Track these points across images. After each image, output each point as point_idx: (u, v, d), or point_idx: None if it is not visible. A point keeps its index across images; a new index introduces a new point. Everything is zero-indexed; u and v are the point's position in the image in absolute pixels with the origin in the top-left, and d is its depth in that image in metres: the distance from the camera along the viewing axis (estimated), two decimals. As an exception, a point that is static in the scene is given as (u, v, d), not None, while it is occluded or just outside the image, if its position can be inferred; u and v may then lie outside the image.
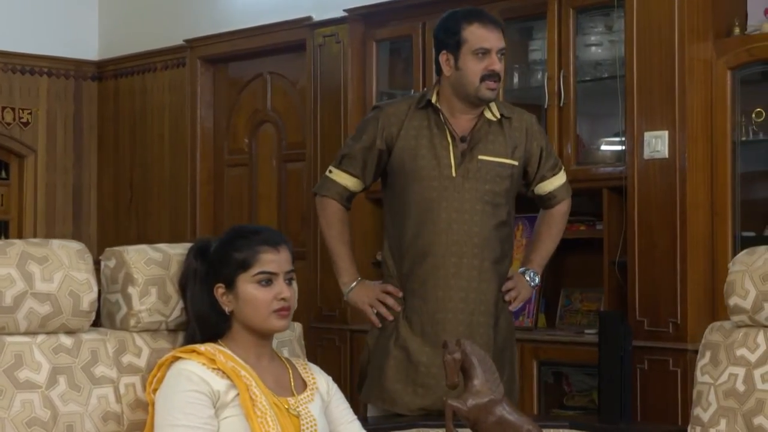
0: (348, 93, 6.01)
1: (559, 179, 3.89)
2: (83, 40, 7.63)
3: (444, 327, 3.62)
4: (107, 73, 7.63)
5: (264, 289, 2.80)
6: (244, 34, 6.67)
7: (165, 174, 7.24)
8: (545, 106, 5.11)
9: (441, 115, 3.70)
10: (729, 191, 4.59)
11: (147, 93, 7.36)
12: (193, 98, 7.01)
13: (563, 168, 3.96)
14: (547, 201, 3.90)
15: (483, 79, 3.65)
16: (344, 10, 6.01)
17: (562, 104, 5.08)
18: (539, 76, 5.32)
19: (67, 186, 7.59)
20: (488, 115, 3.73)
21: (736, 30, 4.67)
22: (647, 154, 4.65)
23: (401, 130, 3.71)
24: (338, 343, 5.93)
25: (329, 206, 3.80)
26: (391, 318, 3.69)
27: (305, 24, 6.26)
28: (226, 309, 2.81)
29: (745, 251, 3.12)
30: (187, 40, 6.99)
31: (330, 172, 3.83)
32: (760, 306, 3.00)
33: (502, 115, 3.74)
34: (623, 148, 4.91)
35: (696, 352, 4.44)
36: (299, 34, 6.32)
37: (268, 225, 6.56)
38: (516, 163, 3.73)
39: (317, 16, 6.23)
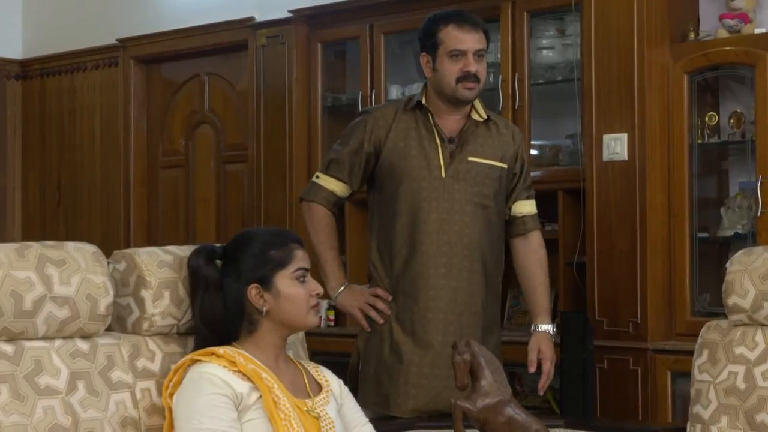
0: (293, 94, 5.98)
1: (531, 205, 3.88)
2: (6, 38, 7.46)
3: (434, 326, 3.63)
4: (32, 72, 7.46)
5: (301, 286, 2.82)
6: (181, 34, 6.59)
7: (96, 175, 7.11)
8: (499, 109, 5.15)
9: (430, 117, 3.71)
10: (686, 193, 4.68)
11: (76, 93, 7.22)
12: (126, 99, 6.91)
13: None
14: (520, 226, 3.85)
15: (459, 80, 3.66)
16: (289, 11, 5.97)
17: (516, 107, 5.13)
18: (490, 78, 5.35)
19: (-10, 187, 7.43)
20: (475, 116, 3.74)
21: (691, 35, 4.77)
22: (606, 156, 4.71)
23: (390, 132, 3.71)
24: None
25: (316, 212, 3.77)
26: (381, 321, 3.69)
27: (247, 24, 6.21)
28: (264, 309, 2.79)
29: (742, 251, 3.17)
30: (119, 39, 6.88)
31: (317, 177, 3.81)
32: (760, 305, 3.05)
33: (488, 116, 3.76)
34: (579, 150, 4.98)
35: (656, 350, 4.59)
36: (240, 35, 6.27)
37: (208, 226, 6.55)
38: (505, 165, 3.75)
39: (260, 17, 6.18)
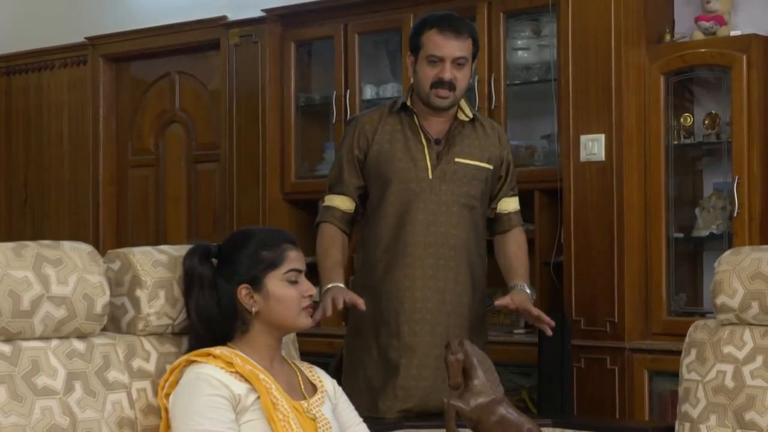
0: (265, 94, 5.96)
1: (516, 202, 3.87)
2: (-29, 35, 7.40)
3: (422, 328, 3.62)
4: (-2, 69, 7.41)
5: (293, 287, 2.80)
6: (152, 33, 6.55)
7: (64, 174, 7.05)
8: (475, 109, 5.15)
9: (415, 118, 3.70)
10: (662, 193, 4.71)
11: (43, 91, 7.16)
12: (95, 97, 6.86)
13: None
14: (505, 223, 3.84)
15: (432, 86, 3.64)
16: (262, 10, 5.95)
17: (493, 107, 5.15)
18: (466, 78, 5.36)
19: (-45, 186, 7.35)
20: (461, 116, 3.74)
21: (667, 36, 4.81)
22: (584, 156, 4.74)
23: (375, 135, 3.70)
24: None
25: (326, 230, 3.73)
26: (329, 313, 3.50)
27: (220, 23, 6.18)
28: (253, 309, 2.77)
29: (729, 251, 3.20)
30: (88, 38, 6.83)
31: (323, 201, 3.80)
32: (748, 304, 3.08)
33: (474, 115, 3.76)
34: (555, 150, 5.01)
35: (633, 350, 4.63)
36: (212, 34, 6.24)
37: (178, 225, 6.51)
38: (491, 167, 3.74)
39: (232, 16, 6.16)
